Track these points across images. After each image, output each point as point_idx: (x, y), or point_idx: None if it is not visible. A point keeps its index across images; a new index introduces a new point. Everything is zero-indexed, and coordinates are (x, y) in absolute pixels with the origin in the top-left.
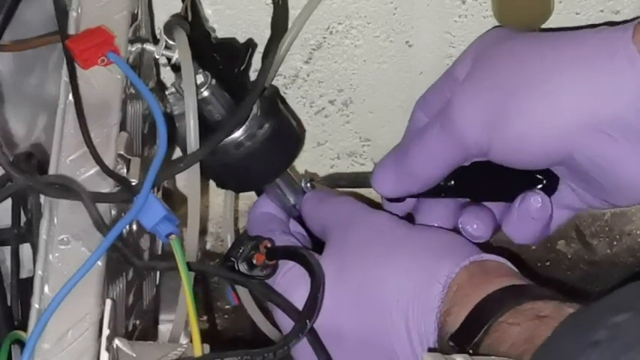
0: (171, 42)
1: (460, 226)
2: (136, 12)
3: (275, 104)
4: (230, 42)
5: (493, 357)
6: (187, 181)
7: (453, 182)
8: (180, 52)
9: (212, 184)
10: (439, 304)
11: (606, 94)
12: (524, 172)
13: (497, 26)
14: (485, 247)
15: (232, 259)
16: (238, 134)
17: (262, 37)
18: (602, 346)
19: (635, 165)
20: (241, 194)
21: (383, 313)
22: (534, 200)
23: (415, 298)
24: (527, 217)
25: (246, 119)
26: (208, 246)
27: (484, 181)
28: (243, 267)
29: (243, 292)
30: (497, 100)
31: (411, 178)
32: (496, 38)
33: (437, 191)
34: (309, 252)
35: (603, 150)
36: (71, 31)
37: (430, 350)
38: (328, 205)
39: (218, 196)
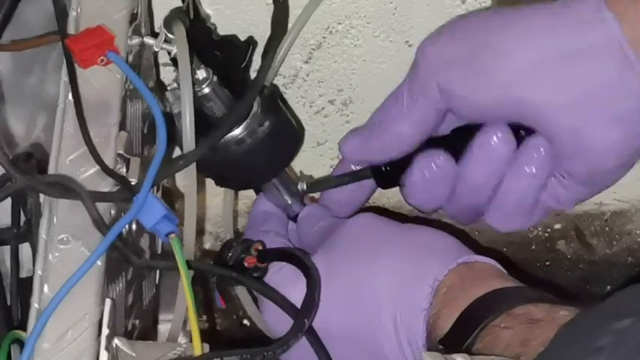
0: (170, 35)
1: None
2: (135, 11)
3: (275, 102)
4: (231, 39)
5: (493, 357)
6: (184, 178)
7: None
8: (178, 44)
9: (210, 184)
10: (427, 306)
11: (576, 53)
12: None
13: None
14: (476, 248)
15: (222, 262)
16: (239, 131)
17: (262, 36)
18: (607, 352)
19: (601, 126)
20: (240, 194)
21: (371, 313)
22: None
23: (403, 299)
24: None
25: (247, 116)
26: (207, 246)
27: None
28: None
29: (242, 290)
30: (468, 50)
31: (377, 144)
32: (462, 18)
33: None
34: (304, 253)
35: (568, 111)
36: (71, 30)
37: (428, 349)
38: (322, 226)
39: (216, 196)
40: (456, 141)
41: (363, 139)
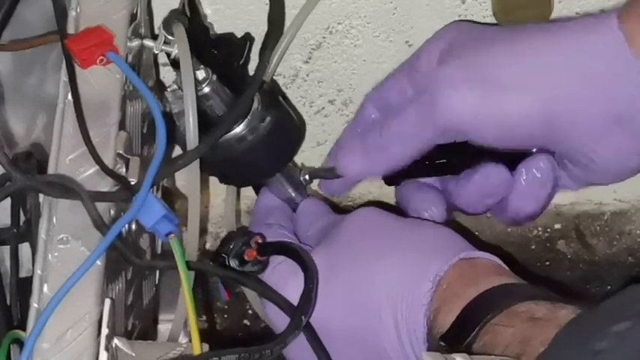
0: (170, 37)
1: (416, 210)
2: (135, 11)
3: (275, 98)
4: (228, 37)
5: (492, 357)
6: (187, 179)
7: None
8: (179, 46)
9: (211, 184)
10: (428, 302)
11: (592, 75)
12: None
13: (457, 21)
14: (478, 244)
15: (223, 255)
16: (240, 129)
17: (262, 36)
18: (606, 354)
19: (614, 142)
20: (241, 194)
21: (372, 309)
22: (542, 161)
23: (404, 295)
24: (536, 182)
25: (248, 113)
26: (208, 245)
27: (452, 160)
28: (234, 263)
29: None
30: (486, 82)
31: (381, 160)
32: (465, 28)
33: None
34: (302, 247)
35: (582, 127)
36: (70, 30)
37: (427, 348)
38: (321, 222)
39: (218, 196)
40: (455, 153)
41: (359, 159)
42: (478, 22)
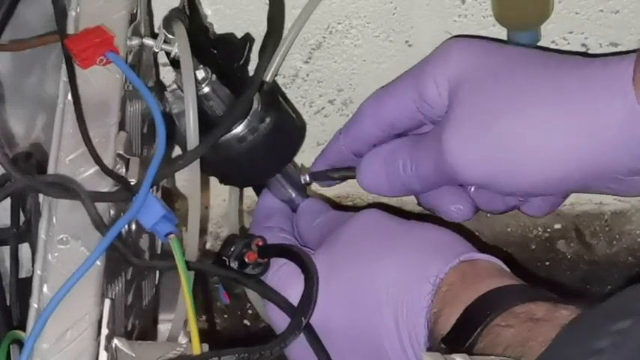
0: (170, 36)
1: (443, 209)
2: (135, 11)
3: (275, 98)
4: (228, 37)
5: (492, 357)
6: (187, 179)
7: None
8: (179, 44)
9: (212, 184)
10: (429, 304)
11: (602, 139)
12: None
13: (456, 36)
14: (479, 245)
15: (224, 257)
16: (240, 129)
17: (262, 36)
18: (605, 354)
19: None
20: (243, 194)
21: (373, 310)
22: None
23: (405, 297)
24: None
25: (248, 114)
26: (208, 245)
27: None
28: (235, 265)
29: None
30: (493, 137)
31: (403, 190)
32: (472, 56)
33: None
34: (302, 250)
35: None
36: (70, 30)
37: (428, 349)
38: (321, 222)
39: (218, 196)
40: None
41: (378, 182)
42: (480, 37)
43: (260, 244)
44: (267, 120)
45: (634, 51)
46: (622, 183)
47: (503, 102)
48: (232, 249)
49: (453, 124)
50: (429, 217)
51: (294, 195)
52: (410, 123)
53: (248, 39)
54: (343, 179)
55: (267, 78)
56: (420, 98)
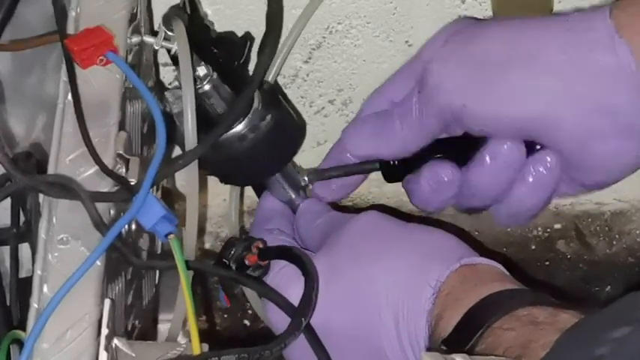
0: (170, 33)
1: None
2: (135, 11)
3: (275, 97)
4: (229, 36)
5: (492, 357)
6: (186, 177)
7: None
8: (178, 41)
9: (211, 184)
10: (429, 307)
11: (589, 73)
12: None
13: (459, 18)
14: (479, 249)
15: (224, 260)
16: (241, 127)
17: (262, 36)
18: None
19: (611, 146)
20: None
21: (372, 312)
22: (548, 155)
23: (405, 300)
24: (542, 178)
25: (248, 112)
26: (207, 245)
27: (450, 156)
28: (235, 268)
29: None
30: (478, 66)
31: (386, 141)
32: (466, 22)
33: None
34: (302, 251)
35: (580, 130)
36: (70, 30)
37: (428, 350)
38: (321, 222)
39: (217, 196)
40: (464, 146)
41: (369, 138)
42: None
43: (260, 246)
44: (268, 118)
45: None
46: (594, 143)
47: (498, 43)
48: (232, 251)
49: (440, 50)
50: (429, 220)
51: (294, 196)
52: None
53: (248, 38)
54: (342, 176)
55: (269, 78)
56: (414, 65)
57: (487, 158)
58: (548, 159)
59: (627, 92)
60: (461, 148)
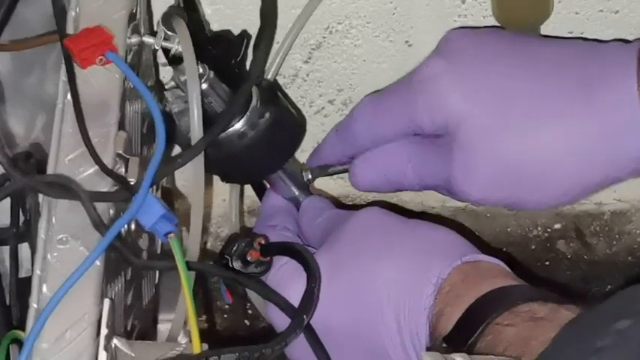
0: (169, 32)
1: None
2: (134, 11)
3: (274, 94)
4: (225, 34)
5: (492, 356)
6: (190, 177)
7: None
8: (181, 40)
9: (211, 184)
10: (431, 304)
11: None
12: None
13: (456, 28)
14: (480, 246)
15: (226, 256)
16: (240, 125)
17: None
18: (606, 353)
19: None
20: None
21: (374, 309)
22: None
23: (406, 297)
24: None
25: (247, 110)
26: (208, 245)
27: None
28: (237, 264)
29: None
30: (505, 161)
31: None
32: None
33: None
34: (305, 248)
35: None
36: (70, 30)
37: (428, 349)
38: (324, 219)
39: (218, 195)
40: None
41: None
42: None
43: (262, 242)
44: (267, 115)
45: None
46: None
47: (508, 129)
48: (235, 247)
49: (460, 152)
50: (430, 216)
51: (296, 192)
52: (403, 135)
53: (245, 36)
54: (342, 172)
55: (269, 77)
56: (414, 124)
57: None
58: None
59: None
60: None
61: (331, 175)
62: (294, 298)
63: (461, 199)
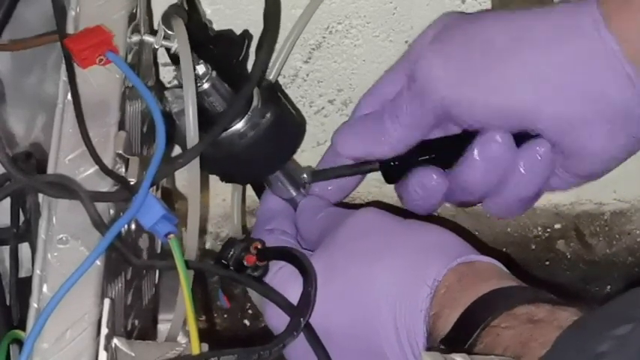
0: (169, 32)
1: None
2: (134, 11)
3: (275, 94)
4: (227, 34)
5: (492, 356)
6: (187, 177)
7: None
8: (179, 39)
9: (211, 184)
10: (427, 306)
11: (575, 64)
12: None
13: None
14: (479, 246)
15: (223, 261)
16: (241, 125)
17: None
18: (607, 358)
19: (600, 133)
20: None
21: (371, 310)
22: (538, 145)
23: (403, 299)
24: (535, 167)
25: (248, 110)
26: (207, 245)
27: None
28: (234, 269)
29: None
30: (466, 59)
31: (377, 141)
32: (457, 16)
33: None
34: (301, 252)
35: (569, 117)
36: (70, 30)
37: (428, 349)
38: (321, 218)
39: (217, 195)
40: (457, 143)
41: (358, 138)
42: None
43: (259, 247)
44: (268, 115)
45: None
46: (583, 131)
47: (485, 31)
48: (231, 252)
49: (429, 45)
50: (430, 217)
51: (295, 193)
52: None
53: (246, 35)
54: (342, 176)
55: (270, 78)
56: (404, 62)
57: (476, 156)
58: (539, 148)
59: (614, 80)
60: (453, 145)
61: (330, 178)
62: (292, 301)
63: (428, 95)
